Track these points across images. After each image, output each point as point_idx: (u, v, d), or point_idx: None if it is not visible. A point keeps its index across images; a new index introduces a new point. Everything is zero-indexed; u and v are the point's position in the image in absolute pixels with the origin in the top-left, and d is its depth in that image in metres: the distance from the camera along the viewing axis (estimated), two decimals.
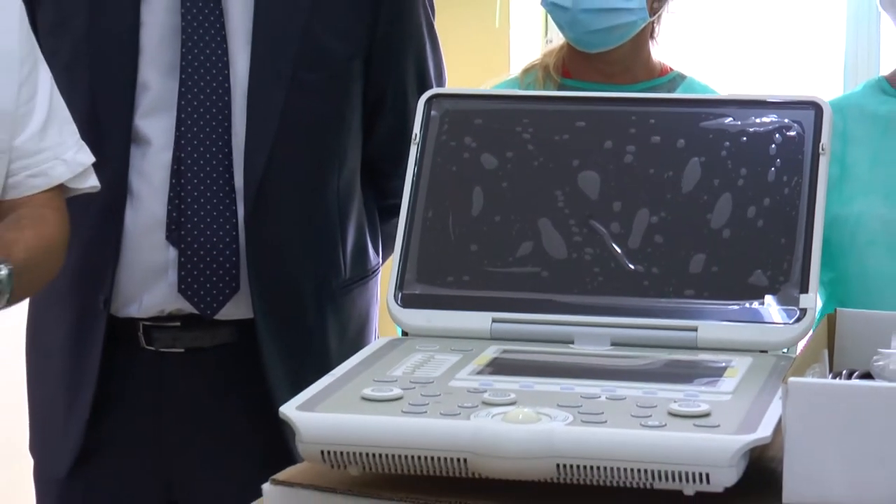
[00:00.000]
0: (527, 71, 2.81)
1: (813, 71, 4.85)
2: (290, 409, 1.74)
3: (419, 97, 2.13)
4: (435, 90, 2.16)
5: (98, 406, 2.63)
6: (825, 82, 4.74)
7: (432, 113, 2.10)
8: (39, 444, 2.76)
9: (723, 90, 2.81)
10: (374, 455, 1.67)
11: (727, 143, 2.03)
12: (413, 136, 2.09)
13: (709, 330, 1.93)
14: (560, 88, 2.70)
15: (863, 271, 2.64)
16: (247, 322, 2.62)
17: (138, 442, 2.64)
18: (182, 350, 2.63)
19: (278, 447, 2.48)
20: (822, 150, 1.99)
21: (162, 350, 2.63)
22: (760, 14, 4.90)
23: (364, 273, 2.77)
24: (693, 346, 1.93)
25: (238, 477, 2.49)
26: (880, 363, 1.82)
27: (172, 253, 2.58)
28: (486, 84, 3.05)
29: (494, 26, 4.76)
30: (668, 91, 2.72)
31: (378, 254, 2.83)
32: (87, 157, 2.41)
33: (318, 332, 2.69)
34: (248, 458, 2.57)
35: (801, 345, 1.92)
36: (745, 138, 2.04)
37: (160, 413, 2.64)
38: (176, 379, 2.63)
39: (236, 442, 2.63)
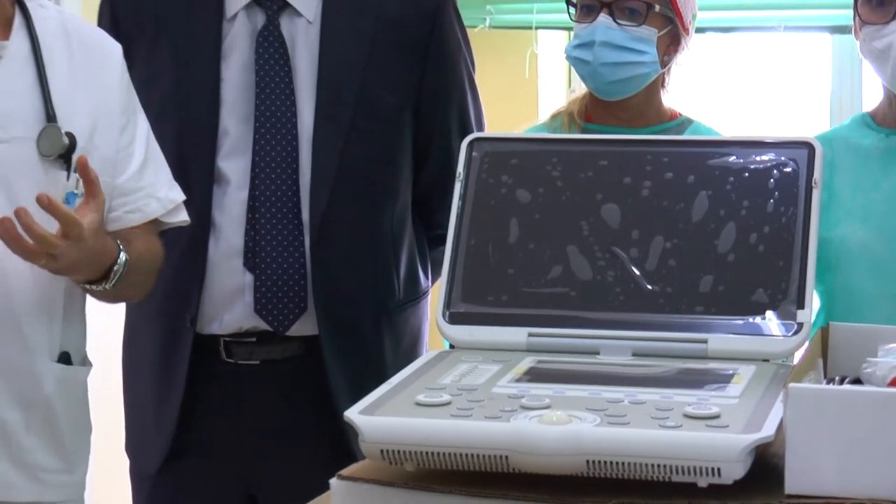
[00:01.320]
0: (554, 117, 2.81)
1: (802, 110, 4.84)
2: (353, 414, 1.73)
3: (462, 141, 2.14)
4: (476, 134, 2.16)
5: (185, 411, 2.64)
6: (813, 120, 4.73)
7: (474, 154, 2.10)
8: (134, 445, 2.77)
9: (725, 131, 2.80)
10: (426, 453, 1.67)
11: (731, 179, 2.02)
12: (457, 174, 2.08)
13: (717, 342, 1.92)
14: (583, 132, 2.69)
15: (845, 287, 2.63)
16: (313, 338, 2.62)
17: (220, 442, 2.65)
18: (257, 362, 2.64)
19: (341, 446, 2.50)
20: (815, 184, 1.98)
21: (240, 362, 2.64)
22: (757, 61, 4.89)
23: (416, 294, 2.77)
24: (703, 356, 1.91)
25: (307, 472, 2.46)
26: (868, 370, 1.81)
27: (249, 278, 2.59)
28: (519, 129, 3.05)
29: (525, 77, 4.76)
30: (678, 133, 2.72)
31: (428, 277, 2.82)
32: (179, 195, 2.42)
33: (376, 347, 2.69)
34: (315, 456, 2.56)
35: (798, 354, 1.91)
36: (747, 174, 2.02)
37: (238, 417, 2.64)
38: (252, 387, 2.64)
39: (304, 442, 2.63)
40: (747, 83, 4.91)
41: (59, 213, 2.08)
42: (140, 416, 2.74)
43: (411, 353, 2.74)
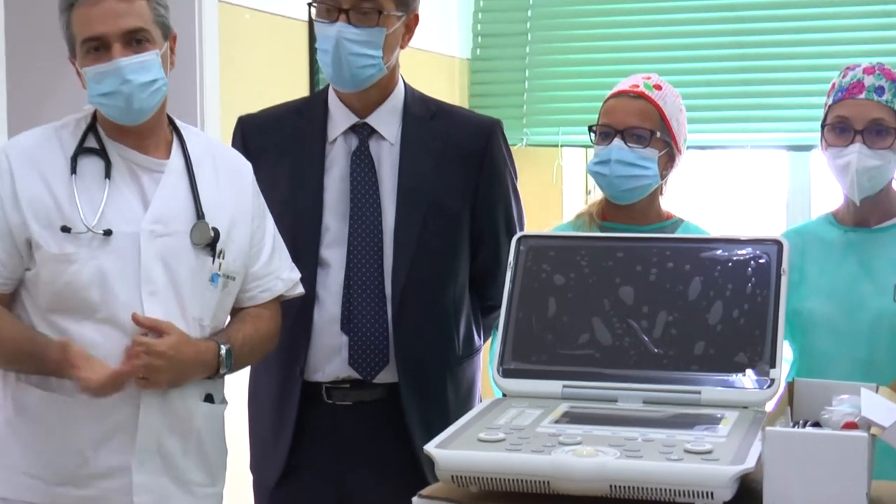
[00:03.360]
0: (578, 216, 2.79)
1: (763, 212, 4.83)
2: (431, 447, 1.73)
3: (508, 236, 2.16)
4: (523, 233, 2.17)
5: (295, 440, 2.62)
6: (771, 220, 4.71)
7: (521, 248, 2.11)
8: (256, 465, 2.75)
9: (708, 228, 2.78)
10: (487, 478, 1.68)
11: (718, 267, 2.03)
12: (508, 263, 2.09)
13: (709, 393, 1.92)
14: (601, 229, 2.69)
15: (813, 349, 2.60)
16: (394, 384, 2.59)
17: (322, 465, 2.62)
18: (350, 403, 2.61)
19: (415, 469, 2.48)
20: (783, 272, 1.99)
21: (337, 403, 2.61)
22: (729, 173, 4.89)
23: (471, 352, 2.75)
24: (698, 404, 1.92)
25: (389, 489, 2.48)
26: (826, 416, 1.80)
27: (345, 339, 2.58)
28: (550, 223, 3.05)
29: (552, 183, 4.77)
30: (672, 230, 2.70)
31: (480, 338, 2.80)
32: (297, 274, 2.45)
33: (441, 392, 2.65)
34: (394, 477, 2.54)
35: (771, 403, 1.90)
36: (730, 264, 2.03)
37: (336, 445, 2.62)
38: (346, 423, 2.61)
39: (387, 466, 2.60)
40: (721, 190, 4.90)
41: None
42: (262, 442, 2.72)
43: (468, 398, 2.72)
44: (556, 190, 4.79)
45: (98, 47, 2.19)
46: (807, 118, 4.31)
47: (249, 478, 2.77)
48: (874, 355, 2.54)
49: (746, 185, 4.88)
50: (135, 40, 2.19)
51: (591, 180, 3.57)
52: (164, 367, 2.17)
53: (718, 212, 4.82)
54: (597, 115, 2.74)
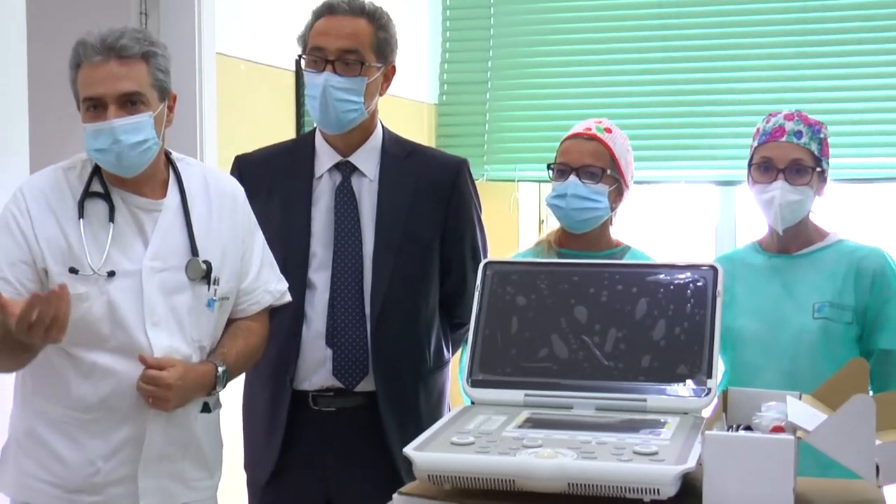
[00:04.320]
0: (538, 244, 2.80)
1: (695, 240, 4.84)
2: (409, 450, 1.72)
3: (473, 262, 2.15)
4: (489, 259, 2.16)
5: (285, 442, 2.61)
6: (702, 247, 4.73)
7: (487, 273, 2.10)
8: (250, 464, 2.74)
9: (652, 254, 2.79)
10: (459, 477, 1.68)
11: (662, 289, 2.03)
12: (476, 286, 2.09)
13: (654, 401, 1.92)
14: (558, 255, 2.69)
15: (743, 361, 2.62)
16: (372, 393, 2.59)
17: (308, 465, 2.61)
18: (334, 409, 2.60)
19: (391, 468, 2.48)
20: (718, 294, 1.99)
21: (322, 409, 2.60)
22: (665, 205, 4.91)
23: (441, 363, 2.75)
24: (644, 410, 1.91)
25: (368, 487, 2.47)
26: (756, 421, 1.81)
27: (329, 352, 2.57)
28: (508, 248, 3.05)
29: (510, 213, 4.78)
30: (621, 256, 2.71)
31: (449, 351, 2.80)
32: (284, 285, 2.44)
33: (414, 400, 2.65)
34: (372, 475, 2.54)
35: (708, 410, 1.91)
36: (672, 286, 2.03)
37: (321, 447, 2.61)
38: (330, 428, 2.60)
39: (367, 465, 2.59)
40: (658, 220, 4.92)
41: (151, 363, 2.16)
42: (255, 444, 2.71)
43: (439, 404, 2.71)
44: (512, 220, 4.79)
45: (96, 106, 2.15)
46: (734, 157, 4.37)
47: (243, 476, 2.76)
48: (797, 367, 2.56)
49: (680, 215, 4.91)
50: (130, 102, 2.15)
51: (545, 211, 3.56)
52: (171, 396, 2.16)
53: (656, 240, 4.83)
54: (549, 154, 2.76)
